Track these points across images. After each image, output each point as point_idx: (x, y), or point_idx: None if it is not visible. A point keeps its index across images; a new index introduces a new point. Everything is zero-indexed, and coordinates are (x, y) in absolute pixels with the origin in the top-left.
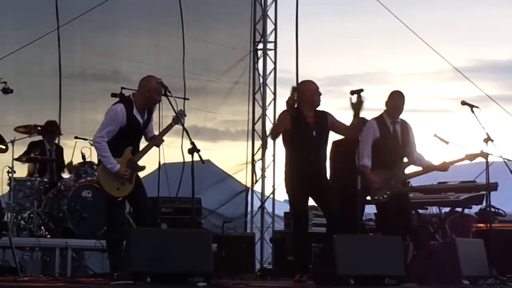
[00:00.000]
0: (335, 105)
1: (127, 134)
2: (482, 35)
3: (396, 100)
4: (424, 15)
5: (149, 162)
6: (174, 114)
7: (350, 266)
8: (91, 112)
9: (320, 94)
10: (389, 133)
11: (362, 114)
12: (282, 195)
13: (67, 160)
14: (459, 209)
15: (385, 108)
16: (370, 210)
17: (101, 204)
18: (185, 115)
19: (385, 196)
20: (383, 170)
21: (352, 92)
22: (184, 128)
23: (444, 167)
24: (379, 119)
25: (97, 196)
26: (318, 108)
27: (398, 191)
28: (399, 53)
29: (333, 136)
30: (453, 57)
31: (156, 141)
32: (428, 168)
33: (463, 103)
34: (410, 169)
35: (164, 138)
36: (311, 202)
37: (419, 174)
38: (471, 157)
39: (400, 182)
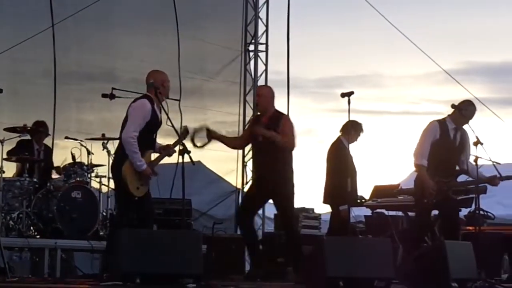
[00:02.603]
0: (326, 108)
1: (148, 132)
2: (474, 38)
3: (472, 109)
4: (416, 18)
5: None
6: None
7: (339, 268)
8: (86, 112)
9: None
10: (449, 138)
11: (354, 117)
12: None
13: (55, 160)
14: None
15: (449, 112)
16: (360, 212)
17: (90, 205)
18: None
19: (434, 201)
20: (436, 174)
21: (343, 95)
22: (178, 134)
23: (494, 182)
24: (441, 122)
25: (87, 197)
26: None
27: (446, 198)
28: (391, 56)
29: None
30: (445, 60)
31: (170, 151)
32: (479, 179)
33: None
34: (461, 178)
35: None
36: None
37: (468, 184)
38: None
39: (451, 189)
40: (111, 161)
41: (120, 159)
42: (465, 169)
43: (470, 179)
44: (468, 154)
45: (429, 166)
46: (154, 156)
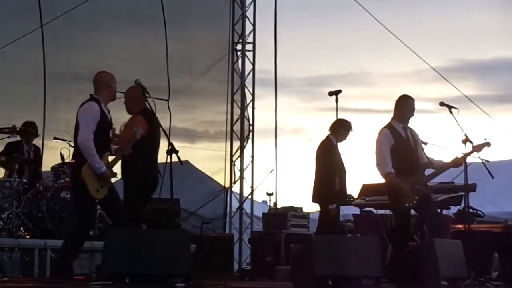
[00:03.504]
0: (314, 106)
1: (102, 133)
2: (464, 35)
3: (409, 103)
4: (404, 16)
5: None
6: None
7: (328, 267)
8: (75, 112)
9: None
10: (403, 139)
11: (342, 116)
12: (260, 196)
13: (44, 161)
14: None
15: (392, 114)
16: (349, 211)
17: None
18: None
19: (414, 202)
20: (405, 176)
21: (331, 93)
22: (163, 131)
23: (457, 163)
24: (390, 127)
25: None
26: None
27: (425, 194)
28: (379, 54)
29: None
30: (434, 58)
31: (125, 151)
32: (442, 167)
33: (442, 104)
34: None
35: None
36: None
37: (436, 175)
38: (478, 148)
39: (424, 185)
40: None
41: (78, 164)
42: (427, 162)
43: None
44: (422, 147)
45: (396, 172)
46: (111, 158)
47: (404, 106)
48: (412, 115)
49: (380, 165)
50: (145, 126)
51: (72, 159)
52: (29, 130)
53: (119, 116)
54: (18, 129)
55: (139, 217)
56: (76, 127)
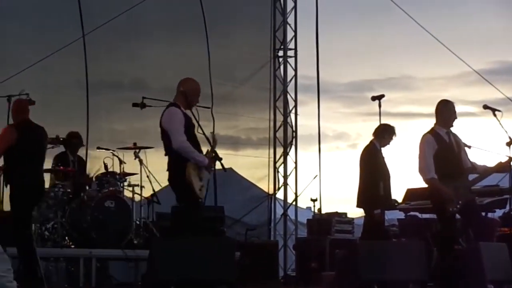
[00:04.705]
0: (357, 111)
1: (190, 136)
2: (506, 37)
3: (449, 107)
4: (445, 19)
5: None
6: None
7: (373, 271)
8: (117, 122)
9: None
10: (446, 144)
11: (385, 121)
12: (304, 202)
13: (88, 170)
14: (483, 213)
15: (435, 120)
16: (394, 215)
17: (124, 214)
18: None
19: (458, 206)
20: (449, 181)
21: (374, 98)
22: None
23: (501, 168)
24: (433, 132)
25: (120, 206)
26: None
27: (469, 198)
28: (421, 58)
29: None
30: (477, 60)
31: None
32: (486, 172)
33: (485, 107)
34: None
35: None
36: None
37: (480, 179)
38: None
39: (468, 189)
40: (143, 170)
41: (177, 169)
42: (470, 167)
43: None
44: (465, 152)
45: (440, 177)
46: None
47: (445, 111)
48: (455, 118)
49: (423, 170)
50: (10, 136)
51: (168, 170)
52: (75, 141)
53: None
54: (62, 139)
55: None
56: (165, 136)
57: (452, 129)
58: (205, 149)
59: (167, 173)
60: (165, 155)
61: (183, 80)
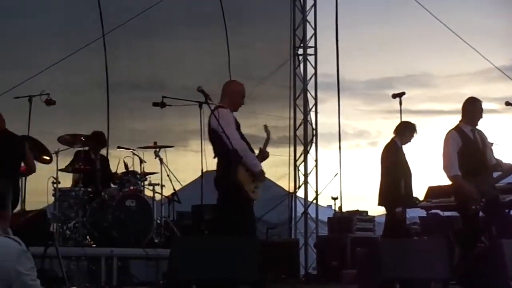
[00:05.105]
0: (378, 109)
1: (241, 136)
2: None
3: (477, 105)
4: (466, 15)
5: (192, 170)
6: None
7: (395, 270)
8: (137, 121)
9: None
10: (471, 141)
11: (405, 118)
12: (325, 200)
13: (113, 169)
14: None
15: (460, 117)
16: (415, 213)
17: (145, 213)
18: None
19: (481, 204)
20: (473, 178)
21: (394, 96)
22: (227, 136)
23: None
24: (458, 129)
25: (141, 205)
26: None
27: (492, 196)
28: (441, 55)
29: None
30: (498, 56)
31: (265, 154)
32: (510, 169)
33: (507, 103)
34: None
35: (206, 146)
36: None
37: (504, 177)
38: None
39: (492, 186)
40: (163, 169)
41: (228, 170)
42: (495, 164)
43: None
44: (490, 149)
45: (464, 174)
46: None
47: (471, 109)
48: (481, 117)
49: (447, 167)
50: None
51: (218, 168)
52: (98, 140)
53: None
54: (83, 138)
55: None
56: (216, 137)
57: (477, 126)
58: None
59: (187, 172)
60: (214, 157)
61: (228, 82)
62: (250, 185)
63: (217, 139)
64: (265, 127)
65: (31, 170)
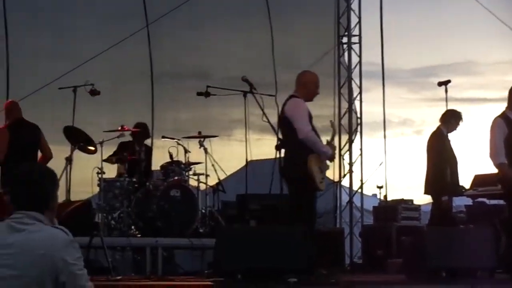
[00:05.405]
0: (422, 97)
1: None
2: None
3: None
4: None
5: (236, 159)
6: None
7: (441, 259)
8: (181, 111)
9: None
10: None
11: (451, 106)
12: (370, 189)
13: (155, 160)
14: None
15: (506, 104)
16: (461, 202)
17: (189, 203)
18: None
19: None
20: None
21: (440, 84)
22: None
23: None
24: (504, 116)
25: (186, 195)
26: None
27: None
28: (486, 42)
29: None
30: None
31: (332, 147)
32: None
33: None
34: None
35: (250, 135)
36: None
37: None
38: None
39: None
40: (208, 159)
41: (297, 160)
42: None
43: None
44: None
45: (510, 161)
46: None
47: None
48: None
49: (493, 155)
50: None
51: (286, 157)
52: (142, 131)
53: None
54: (127, 129)
55: None
56: (287, 126)
57: None
58: (268, 136)
59: (231, 161)
60: (282, 147)
61: (302, 73)
62: (319, 175)
63: (287, 127)
64: (331, 122)
65: (47, 157)
